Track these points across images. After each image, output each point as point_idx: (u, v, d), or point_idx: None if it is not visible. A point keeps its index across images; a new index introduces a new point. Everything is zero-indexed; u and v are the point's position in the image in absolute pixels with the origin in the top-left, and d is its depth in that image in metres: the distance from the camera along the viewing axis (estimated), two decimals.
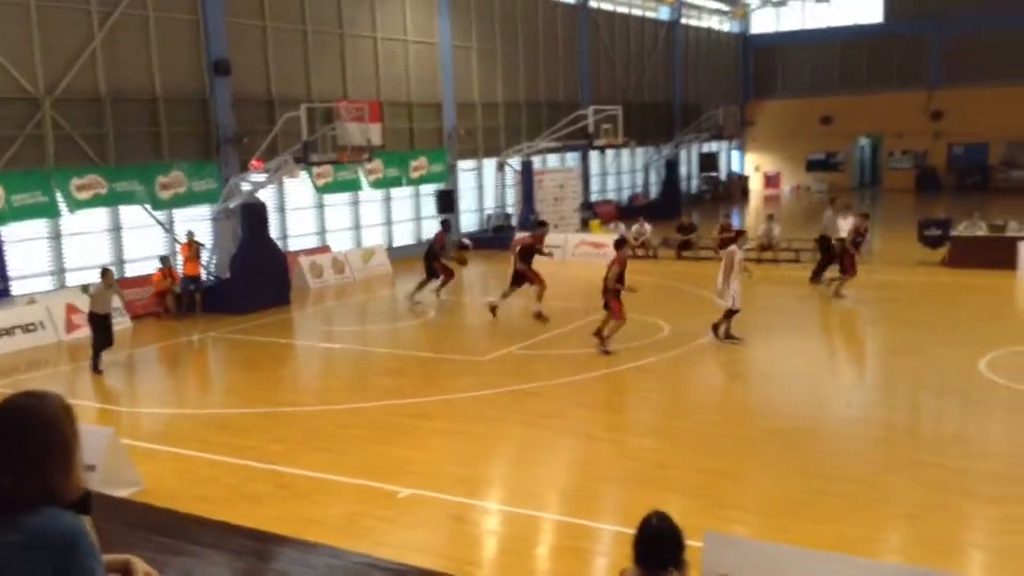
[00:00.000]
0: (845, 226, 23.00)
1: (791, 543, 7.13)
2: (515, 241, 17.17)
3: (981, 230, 21.21)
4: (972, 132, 41.79)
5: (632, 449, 10.15)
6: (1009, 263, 19.74)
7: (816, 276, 20.03)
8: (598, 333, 14.19)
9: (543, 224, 18.85)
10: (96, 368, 14.18)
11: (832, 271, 19.20)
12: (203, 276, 19.90)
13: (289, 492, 9.09)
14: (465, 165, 29.56)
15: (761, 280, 21.52)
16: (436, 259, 19.35)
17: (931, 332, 15.34)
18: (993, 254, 20.13)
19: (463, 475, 9.42)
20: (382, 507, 8.59)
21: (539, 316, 16.31)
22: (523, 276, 16.88)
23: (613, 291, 14.01)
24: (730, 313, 14.58)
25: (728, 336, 14.65)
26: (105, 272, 14.47)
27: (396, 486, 8.98)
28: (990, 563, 7.43)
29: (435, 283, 19.53)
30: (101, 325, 14.23)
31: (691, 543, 5.32)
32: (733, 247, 14.79)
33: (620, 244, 14.70)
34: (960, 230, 21.54)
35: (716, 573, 4.93)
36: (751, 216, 36.22)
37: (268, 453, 10.15)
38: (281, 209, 23.35)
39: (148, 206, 19.63)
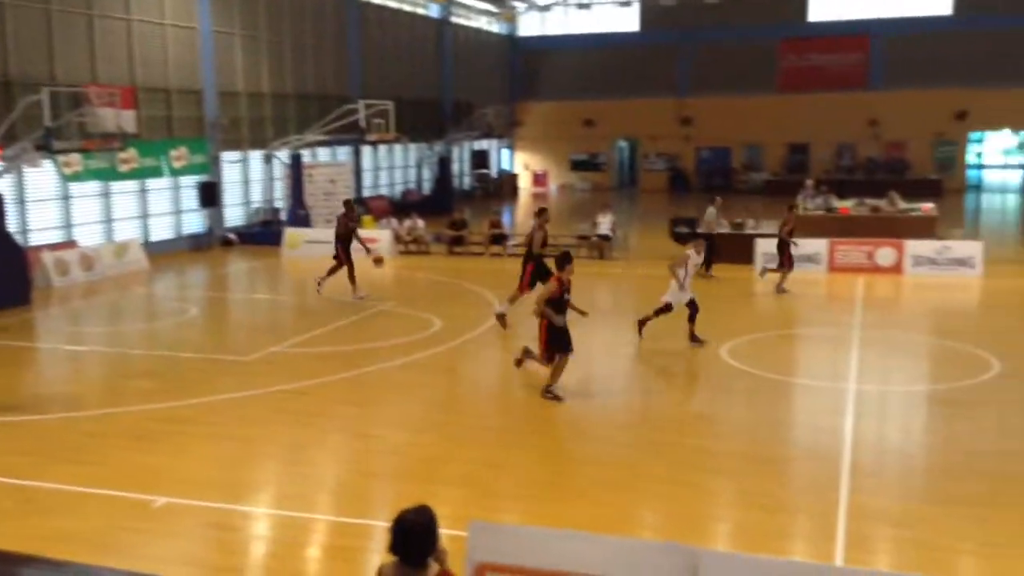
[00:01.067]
0: (605, 222, 24.30)
1: (552, 526, 7.44)
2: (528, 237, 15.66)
3: (723, 228, 22.98)
4: (717, 137, 45.21)
5: (401, 445, 10.18)
6: (747, 258, 21.51)
7: (707, 269, 20.54)
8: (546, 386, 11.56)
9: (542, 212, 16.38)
10: None
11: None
12: None
13: (33, 507, 8.39)
14: (230, 156, 28.43)
15: None
16: (346, 242, 18.00)
17: (680, 321, 16.44)
18: (734, 250, 21.86)
19: (226, 480, 9.08)
20: (139, 519, 8.11)
21: (502, 319, 15.27)
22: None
23: (542, 316, 11.40)
24: (662, 310, 14.37)
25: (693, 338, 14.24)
26: None
27: (153, 496, 8.51)
28: (732, 535, 8.09)
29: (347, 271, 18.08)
30: None
31: (458, 533, 5.44)
32: (690, 250, 14.67)
33: (563, 261, 11.50)
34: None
35: (478, 561, 5.05)
36: (520, 213, 37.30)
37: (7, 466, 9.30)
38: (21, 200, 21.44)
39: None
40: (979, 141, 45.70)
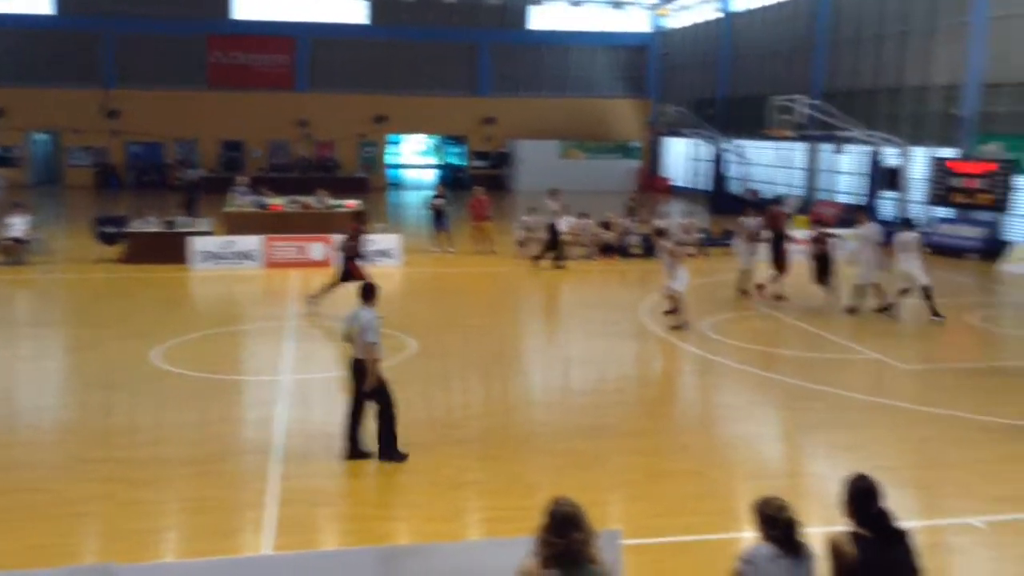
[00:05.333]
0: (19, 223, 21.79)
1: None
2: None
3: (155, 226, 22.08)
4: (148, 132, 43.22)
5: None
6: (181, 257, 20.95)
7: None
8: None
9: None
10: None
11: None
12: None
13: None
14: None
15: None
16: (352, 257, 16.48)
17: (108, 328, 15.44)
18: (167, 249, 21.13)
19: None
20: None
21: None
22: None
23: None
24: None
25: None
26: None
27: None
28: (161, 544, 7.76)
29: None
30: None
31: None
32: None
33: None
34: (135, 227, 22.09)
35: None
36: None
37: None
38: None
39: None
40: (397, 143, 50.19)
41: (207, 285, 20.05)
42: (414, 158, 58.26)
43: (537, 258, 22.28)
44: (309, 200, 25.05)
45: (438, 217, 24.43)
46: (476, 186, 26.73)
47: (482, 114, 46.19)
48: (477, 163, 46.93)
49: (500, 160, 46.67)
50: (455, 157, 50.33)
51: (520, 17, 46.76)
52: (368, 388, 9.14)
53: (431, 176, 53.33)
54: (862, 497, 4.93)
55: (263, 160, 44.41)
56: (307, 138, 44.78)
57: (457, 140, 49.12)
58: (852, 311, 16.78)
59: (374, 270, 19.04)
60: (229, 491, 8.65)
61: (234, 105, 43.30)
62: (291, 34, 44.31)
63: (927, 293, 16.15)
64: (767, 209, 20.92)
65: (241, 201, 24.83)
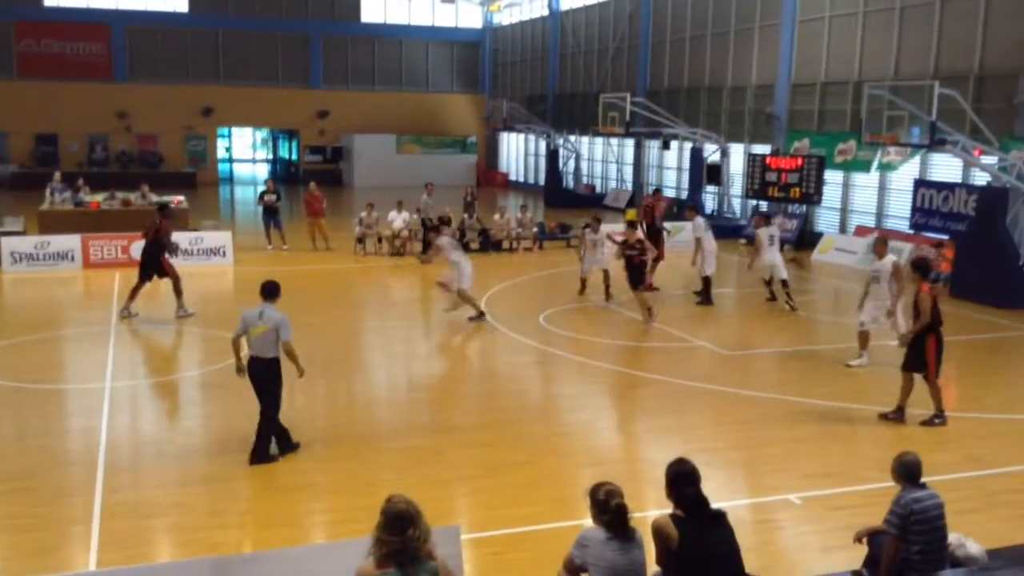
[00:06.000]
0: None
1: None
2: None
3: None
4: None
5: None
6: None
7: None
8: None
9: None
10: None
11: None
12: None
13: None
14: None
15: None
16: (162, 253, 15.92)
17: None
18: None
19: None
20: None
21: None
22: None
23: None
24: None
25: None
26: None
27: None
28: None
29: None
30: None
31: None
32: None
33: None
34: None
35: None
36: None
37: None
38: None
39: None
40: (227, 136, 48.51)
41: (21, 288, 18.82)
42: (245, 152, 56.50)
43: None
44: (130, 196, 23.90)
45: (270, 213, 23.85)
46: (310, 181, 26.21)
47: (315, 107, 45.32)
48: (310, 157, 45.99)
49: (335, 155, 45.94)
50: (287, 151, 49.15)
51: (354, 9, 46.13)
52: (301, 375, 9.32)
53: (263, 171, 51.94)
54: (679, 480, 5.24)
55: (80, 154, 41.97)
56: (128, 131, 42.62)
57: (289, 134, 47.98)
58: (704, 302, 17.67)
59: (204, 268, 18.48)
60: (52, 507, 8.19)
61: (47, 96, 40.68)
62: (105, 21, 42.00)
63: (784, 285, 17.23)
64: (644, 200, 21.97)
65: (56, 199, 23.40)
